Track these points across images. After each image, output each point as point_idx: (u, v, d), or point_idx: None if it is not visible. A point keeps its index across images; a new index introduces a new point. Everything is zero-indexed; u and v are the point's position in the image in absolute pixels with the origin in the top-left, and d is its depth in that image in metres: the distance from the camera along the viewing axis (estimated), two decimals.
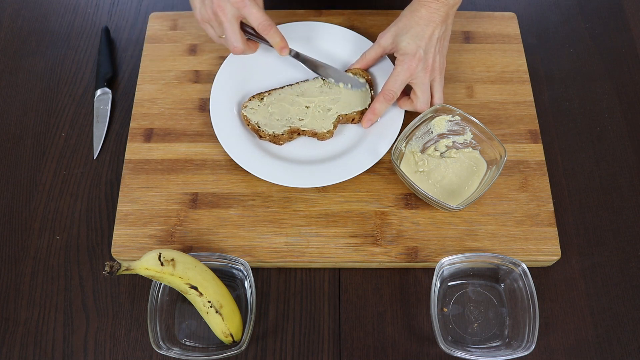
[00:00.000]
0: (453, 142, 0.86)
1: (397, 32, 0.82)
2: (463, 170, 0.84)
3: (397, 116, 0.87)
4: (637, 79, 0.96)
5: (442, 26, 0.81)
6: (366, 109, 0.87)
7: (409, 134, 0.83)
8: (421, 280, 0.80)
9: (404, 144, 0.83)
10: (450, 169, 0.84)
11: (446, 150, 0.86)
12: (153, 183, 0.84)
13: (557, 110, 0.93)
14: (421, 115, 0.83)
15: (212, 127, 0.87)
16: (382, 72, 0.90)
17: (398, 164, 0.81)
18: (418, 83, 0.82)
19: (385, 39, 0.85)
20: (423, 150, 0.86)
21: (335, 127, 0.86)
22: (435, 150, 0.86)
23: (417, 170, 0.84)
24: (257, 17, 0.80)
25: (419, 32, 0.80)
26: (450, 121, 0.85)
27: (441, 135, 0.86)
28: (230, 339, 0.74)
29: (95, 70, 0.97)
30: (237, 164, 0.83)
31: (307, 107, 0.87)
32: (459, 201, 0.81)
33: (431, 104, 0.85)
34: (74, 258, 0.82)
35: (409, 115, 0.87)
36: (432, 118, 0.84)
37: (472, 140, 0.85)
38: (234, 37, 0.81)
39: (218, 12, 0.79)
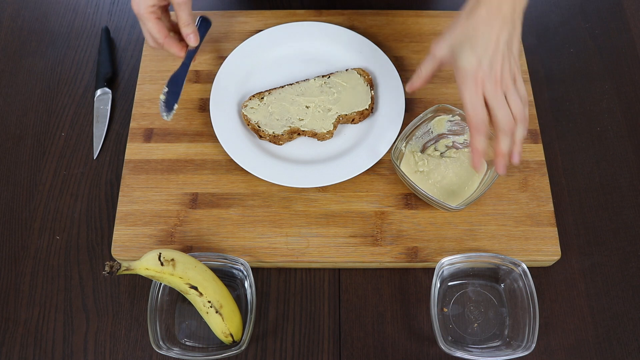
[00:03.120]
0: (453, 142, 0.86)
1: (454, 42, 0.70)
2: (463, 170, 0.84)
3: (396, 116, 0.87)
4: (637, 79, 0.96)
5: (509, 25, 0.68)
6: (366, 109, 0.87)
7: (409, 134, 0.83)
8: (421, 280, 0.80)
9: (404, 144, 0.83)
10: (450, 169, 0.84)
11: (446, 150, 0.86)
12: (153, 183, 0.84)
13: (557, 110, 0.93)
14: (421, 115, 0.83)
15: (212, 127, 0.87)
16: (382, 72, 0.91)
17: (398, 164, 0.81)
18: (490, 99, 0.69)
19: (441, 50, 0.71)
20: (423, 150, 0.86)
21: (335, 127, 0.86)
22: (435, 150, 0.86)
23: (417, 170, 0.84)
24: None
25: (479, 40, 0.67)
26: (450, 121, 0.85)
27: (441, 135, 0.86)
28: (230, 339, 0.74)
29: (95, 70, 0.97)
30: (237, 164, 0.83)
31: (307, 107, 0.87)
32: (459, 201, 0.81)
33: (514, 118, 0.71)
34: (74, 258, 0.82)
35: (409, 116, 0.88)
36: (432, 118, 0.84)
37: None
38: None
39: None
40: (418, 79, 0.76)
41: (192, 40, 0.85)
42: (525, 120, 0.70)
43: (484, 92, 0.68)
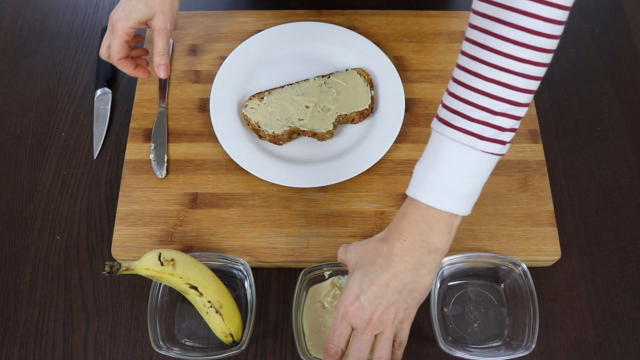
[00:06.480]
0: None
1: (359, 258, 0.65)
2: None
3: (396, 116, 0.87)
4: (637, 79, 0.96)
5: (406, 274, 0.61)
6: (366, 109, 0.87)
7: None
8: None
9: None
10: None
11: None
12: (153, 183, 0.84)
13: (557, 110, 0.93)
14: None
15: (212, 127, 0.87)
16: (382, 72, 0.91)
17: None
18: (353, 335, 0.64)
19: (348, 257, 0.67)
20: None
21: (335, 127, 0.86)
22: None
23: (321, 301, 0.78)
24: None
25: (370, 275, 0.62)
26: None
27: None
28: (230, 339, 0.74)
29: (95, 70, 0.97)
30: (237, 164, 0.83)
31: (307, 107, 0.87)
32: None
33: None
34: (74, 258, 0.82)
35: (409, 116, 0.88)
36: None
37: None
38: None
39: None
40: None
41: (162, 72, 0.81)
42: None
43: (352, 325, 0.64)
